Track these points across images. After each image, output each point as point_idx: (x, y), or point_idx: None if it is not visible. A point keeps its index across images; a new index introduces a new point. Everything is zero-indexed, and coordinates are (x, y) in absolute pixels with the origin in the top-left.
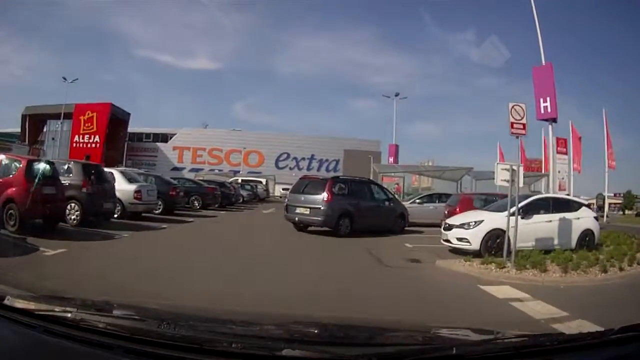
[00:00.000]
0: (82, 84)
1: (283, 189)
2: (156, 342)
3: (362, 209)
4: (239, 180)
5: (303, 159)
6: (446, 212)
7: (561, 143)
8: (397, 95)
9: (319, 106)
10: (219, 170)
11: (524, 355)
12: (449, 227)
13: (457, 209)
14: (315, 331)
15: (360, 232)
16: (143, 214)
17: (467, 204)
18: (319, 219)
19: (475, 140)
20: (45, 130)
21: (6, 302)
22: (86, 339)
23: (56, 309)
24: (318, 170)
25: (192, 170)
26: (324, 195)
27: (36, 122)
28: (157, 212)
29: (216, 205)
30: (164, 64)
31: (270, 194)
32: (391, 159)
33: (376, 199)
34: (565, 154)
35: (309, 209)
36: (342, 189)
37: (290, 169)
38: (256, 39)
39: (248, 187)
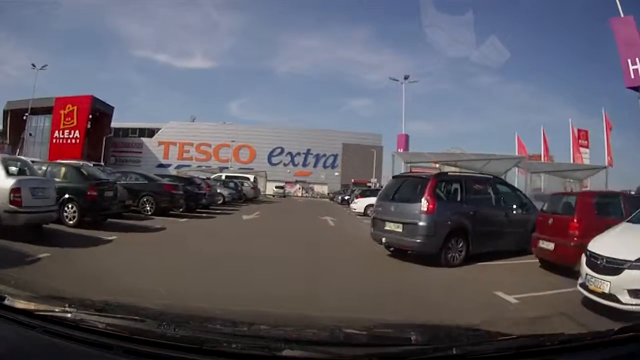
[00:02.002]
0: (75, 82)
1: (276, 187)
2: (156, 342)
3: (483, 222)
4: (223, 177)
5: (298, 153)
6: (548, 223)
7: (582, 135)
8: (406, 78)
9: (315, 105)
10: (207, 167)
11: (524, 355)
12: (615, 267)
13: (575, 221)
14: (316, 331)
15: (479, 257)
16: (46, 225)
17: (589, 210)
18: (417, 240)
19: (473, 138)
20: (28, 125)
21: (6, 302)
22: (86, 339)
23: (56, 309)
24: (315, 166)
25: (178, 166)
26: (423, 204)
27: (18, 118)
28: (71, 222)
29: (180, 210)
30: (158, 63)
31: (261, 193)
32: (401, 151)
33: (503, 206)
34: (587, 147)
35: (401, 225)
36: (451, 193)
37: (285, 165)
38: (252, 38)
39: (231, 184)
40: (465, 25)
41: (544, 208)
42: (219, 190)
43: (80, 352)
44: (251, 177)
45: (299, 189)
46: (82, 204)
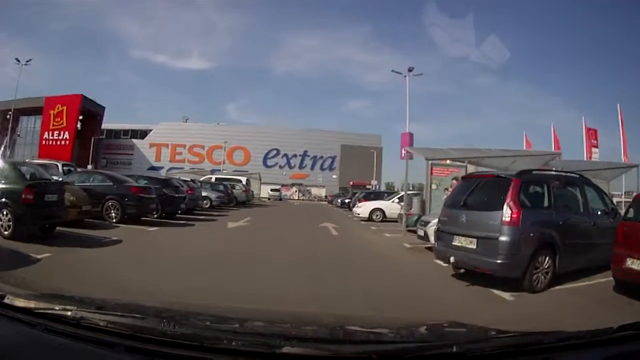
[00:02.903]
0: (70, 83)
1: (271, 190)
2: (157, 339)
3: (573, 233)
4: (213, 179)
5: (295, 155)
6: None
7: (592, 134)
8: (410, 70)
9: (313, 106)
10: (199, 169)
11: (523, 352)
12: None
13: None
14: (315, 328)
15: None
16: None
17: None
18: (496, 260)
19: (472, 139)
20: (18, 127)
21: (6, 300)
22: (87, 337)
23: (56, 307)
24: (312, 168)
25: (170, 169)
26: (505, 212)
27: (8, 118)
28: (6, 233)
29: (154, 215)
30: (154, 63)
31: (255, 196)
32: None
33: (592, 212)
34: (597, 146)
35: (475, 240)
36: (536, 197)
37: (281, 167)
38: (249, 39)
39: (221, 187)
40: (465, 25)
41: (629, 215)
42: (205, 194)
43: (81, 350)
44: (243, 179)
45: (296, 192)
46: (17, 210)
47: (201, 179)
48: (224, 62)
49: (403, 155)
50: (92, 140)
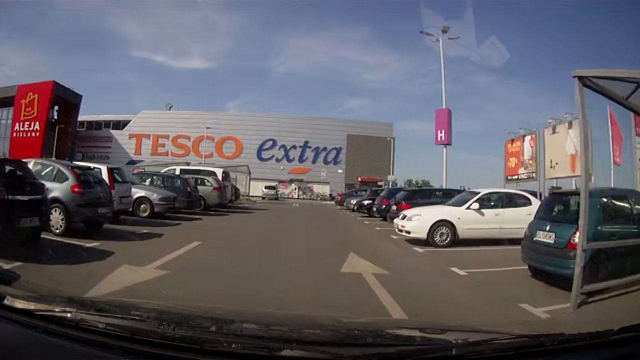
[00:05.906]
0: (70, 84)
1: (266, 188)
2: (156, 342)
3: None
4: (177, 171)
5: (294, 147)
6: None
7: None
8: (445, 32)
9: (313, 106)
10: (174, 163)
11: (523, 355)
12: None
13: None
14: (315, 331)
15: None
16: None
17: None
18: None
19: (472, 138)
20: None
21: (6, 302)
22: (86, 339)
23: (56, 309)
24: (314, 161)
25: (153, 162)
26: None
27: None
28: None
29: None
30: (155, 63)
31: (243, 195)
32: (441, 134)
33: None
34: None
35: None
36: None
37: (278, 160)
38: (248, 39)
39: (178, 183)
40: (465, 26)
41: None
42: (142, 193)
43: (80, 352)
44: (218, 172)
45: (295, 189)
46: None
47: (162, 171)
48: (222, 63)
49: (439, 138)
50: (57, 130)
